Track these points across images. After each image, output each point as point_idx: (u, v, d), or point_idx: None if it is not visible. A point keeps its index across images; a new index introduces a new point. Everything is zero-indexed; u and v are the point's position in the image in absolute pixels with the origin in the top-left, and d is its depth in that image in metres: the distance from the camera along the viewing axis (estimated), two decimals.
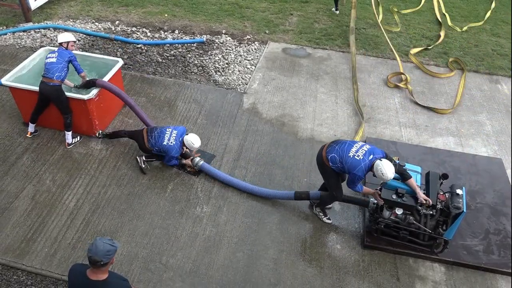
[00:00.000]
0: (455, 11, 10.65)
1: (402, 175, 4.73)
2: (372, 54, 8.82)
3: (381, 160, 4.52)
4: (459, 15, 10.48)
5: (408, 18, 10.25)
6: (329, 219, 5.36)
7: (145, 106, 7.05)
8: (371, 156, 4.59)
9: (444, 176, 4.93)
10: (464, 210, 4.70)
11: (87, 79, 6.19)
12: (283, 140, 6.58)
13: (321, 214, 5.39)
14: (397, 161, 4.79)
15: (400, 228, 4.99)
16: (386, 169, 4.45)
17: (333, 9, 10.36)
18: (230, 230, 5.19)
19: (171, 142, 5.67)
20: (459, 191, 4.84)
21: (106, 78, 6.28)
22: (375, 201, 4.98)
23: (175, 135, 5.72)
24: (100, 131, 6.33)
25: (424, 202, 4.70)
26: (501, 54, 8.97)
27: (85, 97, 5.98)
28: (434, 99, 7.65)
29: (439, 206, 4.81)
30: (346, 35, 9.40)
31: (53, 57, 5.89)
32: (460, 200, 4.78)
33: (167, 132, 5.75)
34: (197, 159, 5.83)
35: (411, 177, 4.71)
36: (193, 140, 5.67)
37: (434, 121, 7.14)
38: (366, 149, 4.65)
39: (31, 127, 6.29)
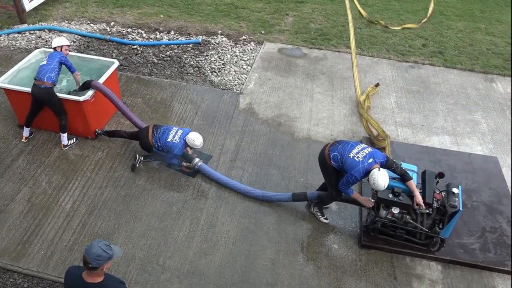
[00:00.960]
0: (449, 10, 10.70)
1: (402, 176, 4.73)
2: (368, 54, 8.84)
3: (379, 170, 4.53)
4: (453, 14, 10.53)
5: (403, 18, 10.28)
6: (326, 218, 5.37)
7: (141, 108, 7.03)
8: (371, 160, 4.59)
9: (440, 175, 4.95)
10: (461, 209, 4.71)
11: (80, 79, 6.19)
12: (280, 140, 6.58)
13: (318, 213, 5.39)
14: (398, 163, 4.81)
15: (397, 227, 5.01)
16: (380, 180, 4.49)
17: None
18: (227, 231, 5.19)
19: (175, 140, 5.68)
20: (455, 190, 4.86)
21: (101, 80, 6.26)
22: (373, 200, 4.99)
23: (180, 133, 5.74)
24: (98, 130, 6.33)
25: (417, 206, 4.71)
26: (496, 53, 9.01)
27: (81, 98, 5.96)
28: (429, 98, 7.68)
29: (435, 205, 4.82)
30: (342, 35, 9.41)
31: (45, 60, 5.93)
32: (456, 198, 4.80)
33: (172, 130, 5.79)
34: (196, 159, 5.82)
35: (411, 178, 4.71)
36: (194, 138, 5.68)
37: (430, 120, 7.16)
38: (367, 152, 4.66)
39: (26, 132, 6.25)
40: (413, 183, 4.71)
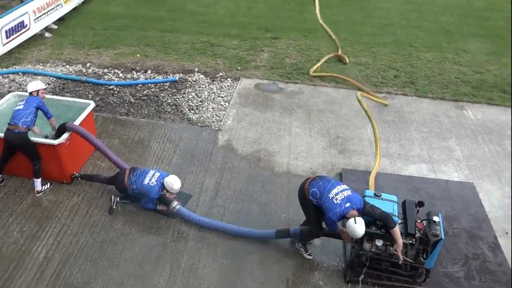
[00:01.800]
0: (418, 42, 11.14)
1: (385, 223, 4.59)
2: (342, 86, 9.03)
3: (355, 221, 4.45)
4: (421, 45, 10.95)
5: (374, 50, 10.64)
6: (310, 255, 5.28)
7: (118, 148, 6.92)
8: (348, 204, 4.58)
9: (420, 204, 4.97)
10: (443, 237, 4.71)
11: (55, 124, 6.10)
12: (260, 175, 6.55)
13: (302, 249, 5.30)
14: (378, 196, 4.83)
15: (382, 259, 4.95)
16: (357, 230, 4.44)
17: None
18: (210, 273, 5.02)
19: (152, 183, 5.58)
20: (435, 218, 4.86)
21: (77, 122, 6.19)
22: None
23: (157, 176, 5.66)
24: (75, 173, 6.20)
25: (394, 252, 4.65)
26: (464, 81, 9.35)
27: (55, 142, 5.86)
28: (404, 127, 7.84)
29: (417, 234, 4.81)
30: (317, 69, 9.64)
31: (21, 105, 5.86)
32: (438, 227, 4.80)
33: (149, 173, 5.70)
34: (175, 203, 5.66)
35: (395, 225, 4.57)
36: (173, 182, 5.58)
37: (406, 149, 7.28)
38: (345, 195, 4.65)
39: None
40: (397, 231, 4.56)
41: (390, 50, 10.65)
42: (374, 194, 5.09)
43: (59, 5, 11.31)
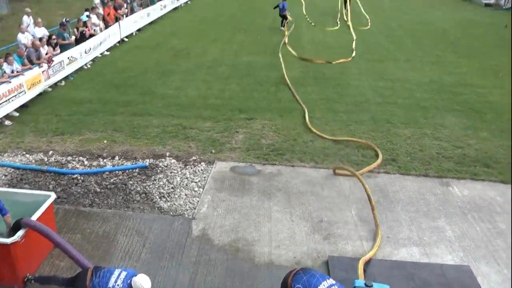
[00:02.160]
0: (394, 118, 11.73)
1: None
2: (323, 166, 9.22)
3: None
4: (399, 122, 11.52)
5: (352, 128, 11.09)
6: None
7: (80, 244, 6.65)
8: None
9: None
10: None
11: (10, 221, 5.87)
12: (239, 268, 6.33)
13: None
14: (369, 286, 4.71)
15: None
16: None
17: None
18: None
19: (118, 285, 5.26)
20: None
21: (35, 216, 5.98)
22: None
23: (123, 276, 5.35)
24: (29, 275, 5.83)
25: None
26: (446, 157, 9.73)
27: (9, 241, 5.58)
28: (390, 207, 7.92)
29: None
30: (294, 149, 9.89)
31: None
32: None
33: (115, 273, 5.39)
34: None
35: None
36: (142, 282, 5.28)
37: (395, 231, 7.28)
38: None
39: None
40: None
41: (367, 128, 11.13)
42: (365, 284, 4.98)
43: (22, 92, 11.57)
